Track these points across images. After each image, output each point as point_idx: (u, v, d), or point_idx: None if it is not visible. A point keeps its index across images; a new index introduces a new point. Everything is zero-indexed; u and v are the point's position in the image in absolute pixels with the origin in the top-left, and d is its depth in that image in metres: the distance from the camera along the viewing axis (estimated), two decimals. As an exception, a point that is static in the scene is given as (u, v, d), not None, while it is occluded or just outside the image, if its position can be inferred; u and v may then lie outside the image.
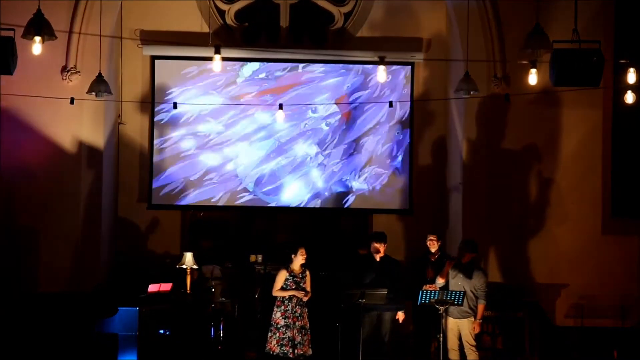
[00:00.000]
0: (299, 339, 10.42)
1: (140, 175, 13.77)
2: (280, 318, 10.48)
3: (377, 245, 10.81)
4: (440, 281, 10.50)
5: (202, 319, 11.95)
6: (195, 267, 12.16)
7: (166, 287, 11.29)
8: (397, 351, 12.02)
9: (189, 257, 12.10)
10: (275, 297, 10.59)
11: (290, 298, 10.51)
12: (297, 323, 10.45)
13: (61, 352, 11.71)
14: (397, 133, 13.69)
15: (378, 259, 10.82)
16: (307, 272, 10.68)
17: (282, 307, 10.51)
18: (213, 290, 12.22)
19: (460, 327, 10.52)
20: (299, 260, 10.55)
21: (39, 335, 11.94)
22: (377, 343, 10.76)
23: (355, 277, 10.90)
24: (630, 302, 12.60)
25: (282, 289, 10.50)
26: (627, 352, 12.17)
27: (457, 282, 10.45)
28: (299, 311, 10.49)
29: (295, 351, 10.39)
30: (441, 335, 10.34)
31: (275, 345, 10.42)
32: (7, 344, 11.86)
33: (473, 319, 10.49)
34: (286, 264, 10.63)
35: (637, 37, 12.87)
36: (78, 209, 12.69)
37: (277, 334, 10.44)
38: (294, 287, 10.49)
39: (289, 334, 10.40)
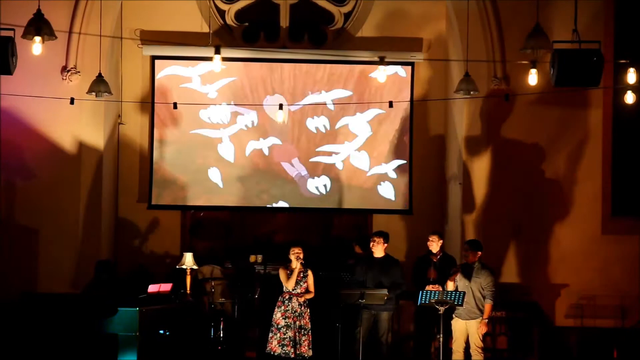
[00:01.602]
0: (297, 338, 10.41)
1: (140, 175, 13.76)
2: (281, 318, 10.48)
3: (376, 239, 10.82)
4: (450, 286, 10.48)
5: (202, 319, 11.95)
6: (195, 267, 12.15)
7: (166, 287, 11.29)
8: (397, 352, 12.02)
9: (189, 257, 12.10)
10: (276, 298, 10.60)
11: (290, 298, 10.52)
12: (297, 323, 10.44)
13: (61, 352, 11.71)
14: (397, 133, 13.68)
15: (375, 255, 10.82)
16: (309, 272, 10.68)
17: (282, 307, 10.51)
18: (213, 290, 12.22)
19: (468, 329, 10.51)
20: (293, 259, 10.56)
21: (39, 335, 11.93)
22: (375, 343, 10.75)
23: (354, 276, 10.91)
24: (630, 302, 12.59)
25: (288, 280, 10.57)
26: (627, 352, 12.17)
27: (464, 283, 10.45)
28: (298, 311, 10.49)
29: (296, 351, 10.38)
30: (441, 335, 10.33)
31: (277, 346, 10.42)
32: (8, 344, 11.86)
33: (480, 319, 10.47)
34: (286, 264, 10.65)
35: (637, 37, 12.86)
36: (78, 209, 12.70)
37: (278, 334, 10.44)
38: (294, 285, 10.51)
39: (289, 333, 10.40)
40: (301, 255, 10.60)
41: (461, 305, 10.25)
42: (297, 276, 10.58)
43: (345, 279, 11.68)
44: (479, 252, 10.59)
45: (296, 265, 10.59)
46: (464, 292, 10.26)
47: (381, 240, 10.88)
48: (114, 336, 10.61)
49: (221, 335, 11.82)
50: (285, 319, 10.46)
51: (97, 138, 12.87)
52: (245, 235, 14.04)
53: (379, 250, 10.88)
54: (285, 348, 10.39)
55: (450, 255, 11.54)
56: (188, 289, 11.95)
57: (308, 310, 10.58)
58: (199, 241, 13.88)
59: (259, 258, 13.16)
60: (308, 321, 10.56)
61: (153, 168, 13.61)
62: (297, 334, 10.42)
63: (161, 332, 11.12)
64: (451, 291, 10.29)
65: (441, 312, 10.21)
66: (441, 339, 10.33)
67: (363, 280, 10.78)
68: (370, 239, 11.04)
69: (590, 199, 12.83)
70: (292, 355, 10.37)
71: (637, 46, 12.66)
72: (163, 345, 11.14)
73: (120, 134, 13.73)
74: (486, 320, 10.48)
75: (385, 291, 10.50)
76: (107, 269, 11.31)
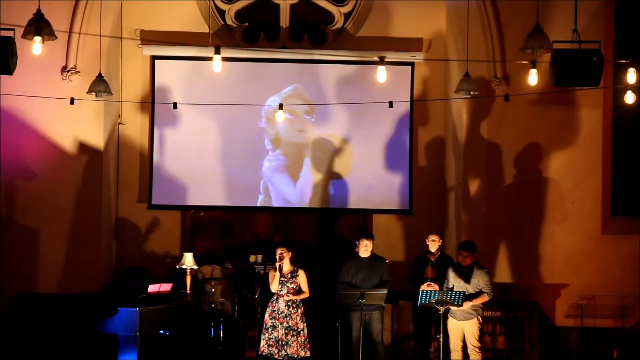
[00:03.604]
0: (285, 339, 10.35)
1: (140, 175, 13.77)
2: (268, 319, 10.43)
3: (366, 241, 10.77)
4: None
5: (202, 319, 11.95)
6: (195, 267, 12.16)
7: (166, 287, 11.29)
8: (396, 352, 12.03)
9: (189, 257, 12.10)
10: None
11: (277, 298, 10.46)
12: (284, 323, 10.38)
13: (61, 352, 11.72)
14: (397, 133, 13.68)
15: (362, 255, 10.79)
16: (300, 272, 10.54)
17: (270, 308, 10.47)
18: (213, 290, 12.22)
19: (463, 329, 10.50)
20: (277, 259, 10.49)
21: (39, 336, 11.94)
22: (369, 343, 10.71)
23: (339, 277, 10.84)
24: (630, 302, 12.59)
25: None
26: (627, 352, 12.17)
27: (459, 283, 10.43)
28: (285, 312, 10.39)
29: (282, 352, 10.32)
30: (441, 335, 10.33)
31: (265, 346, 10.38)
32: (7, 344, 11.87)
33: (476, 320, 10.46)
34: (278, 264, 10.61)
35: (637, 37, 12.87)
36: (78, 209, 12.70)
37: (266, 335, 10.40)
38: (280, 286, 10.49)
39: (275, 334, 10.35)
40: (284, 256, 10.46)
41: (460, 305, 10.24)
42: (284, 277, 10.48)
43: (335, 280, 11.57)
44: (475, 254, 10.57)
45: (291, 272, 10.52)
46: (464, 292, 10.25)
47: (371, 241, 10.85)
48: (114, 336, 10.61)
49: (221, 335, 11.82)
50: (272, 319, 10.40)
51: (97, 138, 12.87)
52: (245, 235, 14.04)
53: (368, 251, 10.85)
54: (270, 348, 10.35)
55: (448, 256, 11.52)
56: (188, 289, 11.95)
57: (299, 311, 10.44)
58: (199, 241, 13.89)
59: (259, 258, 13.16)
60: (299, 322, 10.42)
61: (153, 168, 13.62)
62: (284, 334, 10.36)
63: (161, 332, 11.13)
64: (451, 291, 10.27)
65: (441, 312, 10.20)
66: (441, 339, 10.33)
67: (350, 281, 10.73)
68: (359, 243, 10.93)
69: (590, 199, 12.82)
70: (276, 356, 10.31)
71: (637, 46, 12.67)
72: (163, 345, 11.14)
73: (120, 134, 13.73)
74: (470, 302, 10.35)
75: (385, 291, 10.48)
76: (138, 282, 11.31)
